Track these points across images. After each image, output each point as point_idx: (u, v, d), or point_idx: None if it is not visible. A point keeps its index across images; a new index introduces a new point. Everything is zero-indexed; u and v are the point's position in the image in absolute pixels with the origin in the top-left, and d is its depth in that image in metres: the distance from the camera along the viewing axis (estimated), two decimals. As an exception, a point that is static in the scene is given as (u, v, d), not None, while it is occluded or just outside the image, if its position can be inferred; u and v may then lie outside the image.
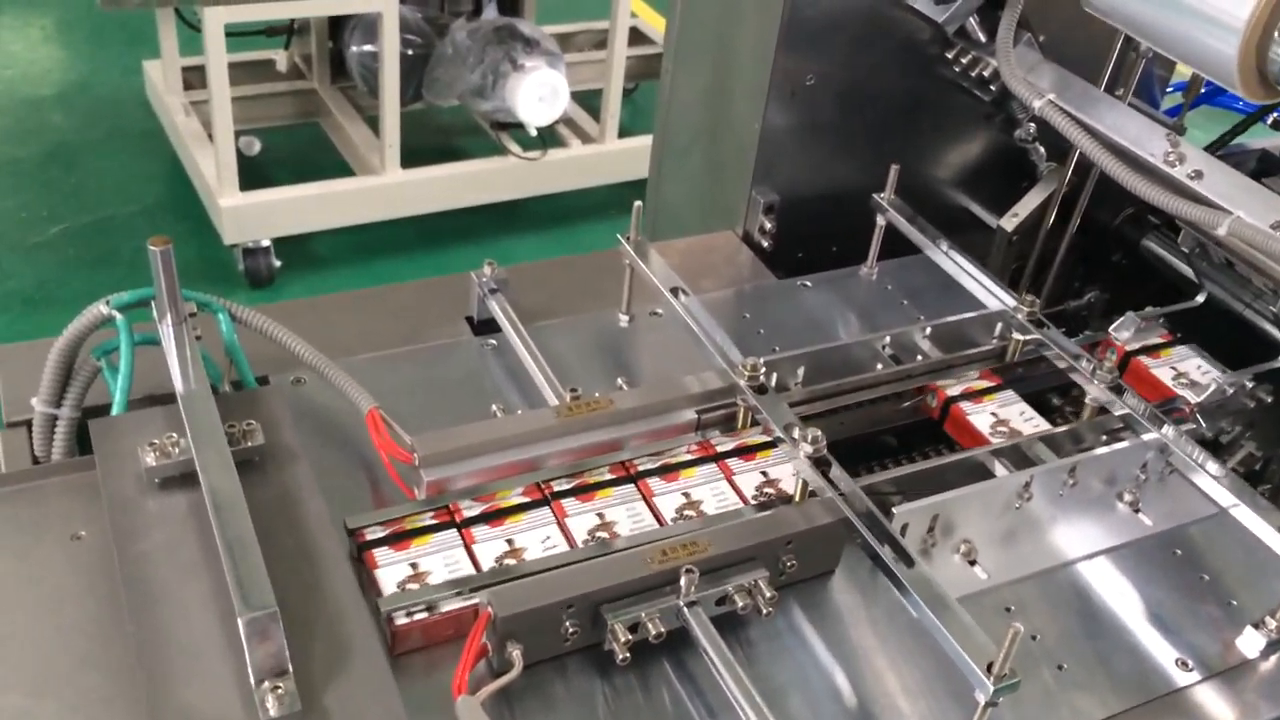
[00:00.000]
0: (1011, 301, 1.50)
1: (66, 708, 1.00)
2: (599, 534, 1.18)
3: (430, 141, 3.98)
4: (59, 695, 1.00)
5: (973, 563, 1.25)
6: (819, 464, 1.20)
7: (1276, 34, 1.08)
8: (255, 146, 3.83)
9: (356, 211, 3.47)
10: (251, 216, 3.27)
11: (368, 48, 3.54)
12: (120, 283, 3.46)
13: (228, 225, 3.25)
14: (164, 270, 1.17)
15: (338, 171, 3.60)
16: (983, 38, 1.69)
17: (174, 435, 1.14)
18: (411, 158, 3.49)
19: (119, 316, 1.19)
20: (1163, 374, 1.55)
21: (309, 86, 3.90)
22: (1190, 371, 1.55)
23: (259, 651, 0.95)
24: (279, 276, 3.39)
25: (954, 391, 1.46)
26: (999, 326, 1.51)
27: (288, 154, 3.93)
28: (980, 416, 1.42)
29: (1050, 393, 1.60)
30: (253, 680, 0.95)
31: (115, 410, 1.22)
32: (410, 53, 3.46)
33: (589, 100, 3.96)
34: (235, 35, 3.08)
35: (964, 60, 1.71)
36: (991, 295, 1.53)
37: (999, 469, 1.33)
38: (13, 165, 3.80)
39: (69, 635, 1.05)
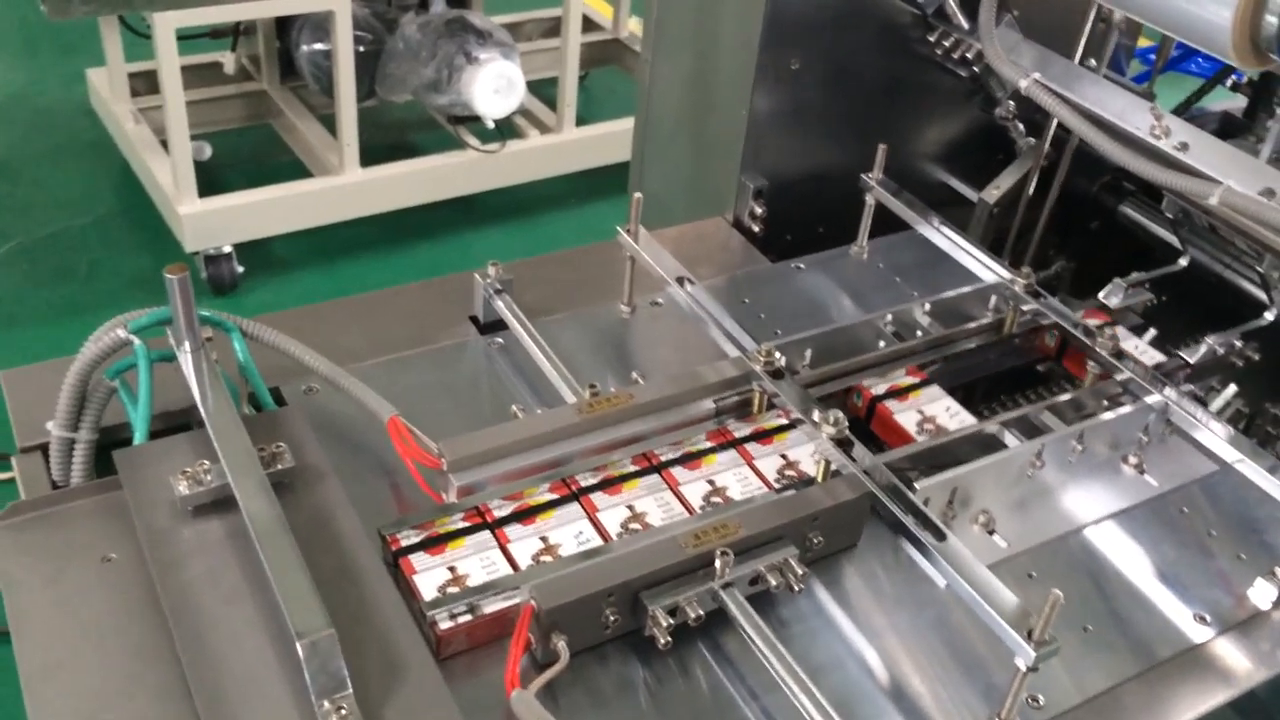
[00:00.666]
0: (1007, 274, 1.53)
1: (118, 733, 0.99)
2: (632, 525, 1.19)
3: (385, 139, 3.94)
4: (109, 721, 0.99)
5: (991, 532, 1.27)
6: (841, 444, 1.22)
7: (1269, 3, 1.12)
8: (206, 151, 3.75)
9: (318, 213, 3.42)
10: (212, 223, 3.22)
11: (318, 46, 3.49)
12: (79, 297, 3.35)
13: (188, 233, 3.19)
14: (181, 297, 1.16)
15: (291, 173, 3.54)
16: (962, 19, 1.71)
17: (205, 462, 1.13)
18: (367, 155, 3.45)
19: (137, 342, 1.18)
20: None
21: (258, 88, 3.84)
22: (1131, 350, 1.57)
23: (319, 673, 0.96)
24: (241, 283, 3.35)
25: (879, 390, 1.44)
26: (994, 299, 1.54)
27: (238, 157, 3.86)
28: (906, 415, 1.41)
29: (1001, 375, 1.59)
30: (314, 702, 0.96)
31: (137, 439, 1.20)
32: (361, 49, 3.41)
33: (542, 90, 3.93)
34: (181, 39, 3.02)
35: (945, 43, 1.73)
36: (986, 268, 1.56)
37: (1010, 439, 1.36)
38: (-45, 183, 3.71)
39: (113, 659, 1.04)
